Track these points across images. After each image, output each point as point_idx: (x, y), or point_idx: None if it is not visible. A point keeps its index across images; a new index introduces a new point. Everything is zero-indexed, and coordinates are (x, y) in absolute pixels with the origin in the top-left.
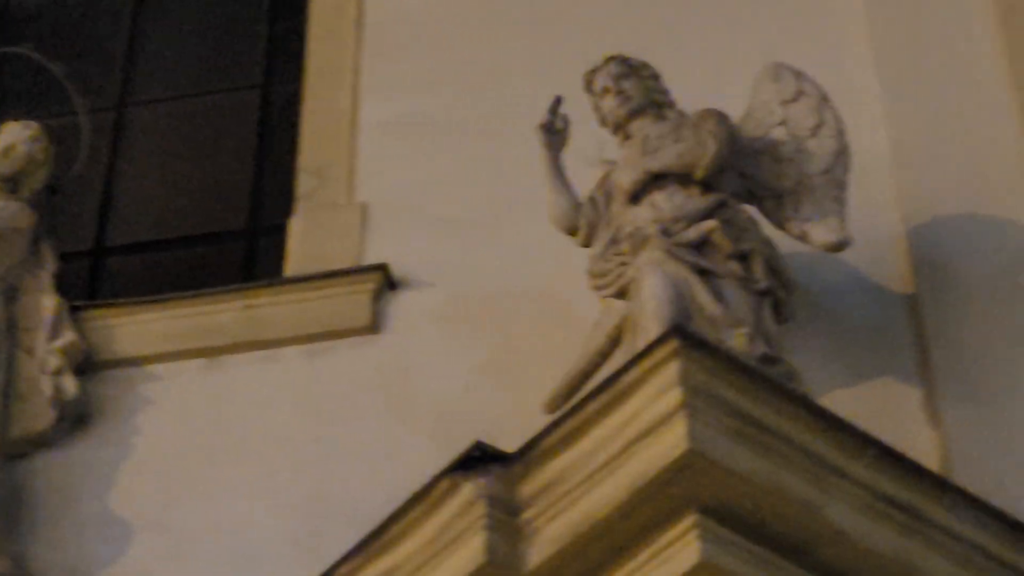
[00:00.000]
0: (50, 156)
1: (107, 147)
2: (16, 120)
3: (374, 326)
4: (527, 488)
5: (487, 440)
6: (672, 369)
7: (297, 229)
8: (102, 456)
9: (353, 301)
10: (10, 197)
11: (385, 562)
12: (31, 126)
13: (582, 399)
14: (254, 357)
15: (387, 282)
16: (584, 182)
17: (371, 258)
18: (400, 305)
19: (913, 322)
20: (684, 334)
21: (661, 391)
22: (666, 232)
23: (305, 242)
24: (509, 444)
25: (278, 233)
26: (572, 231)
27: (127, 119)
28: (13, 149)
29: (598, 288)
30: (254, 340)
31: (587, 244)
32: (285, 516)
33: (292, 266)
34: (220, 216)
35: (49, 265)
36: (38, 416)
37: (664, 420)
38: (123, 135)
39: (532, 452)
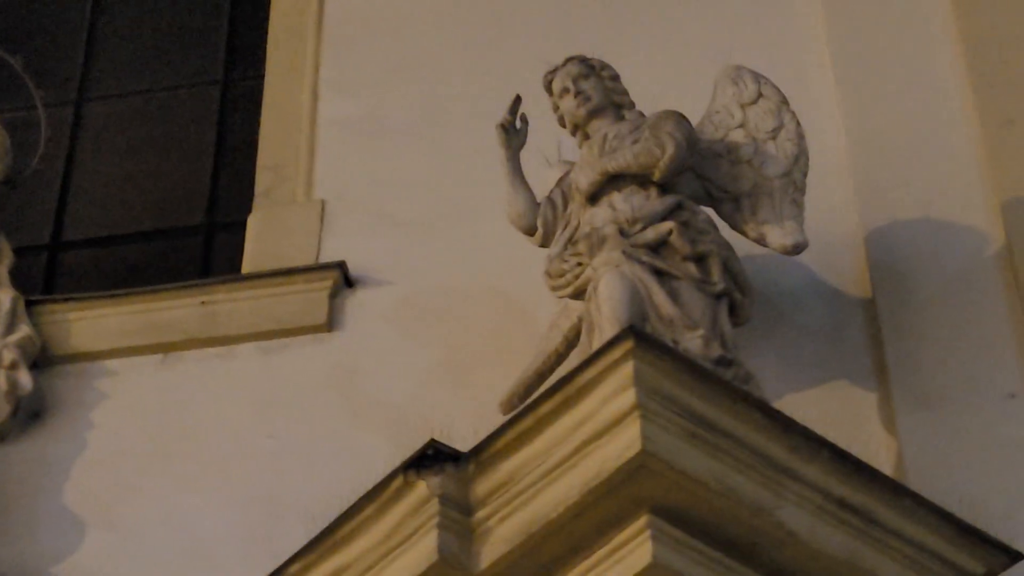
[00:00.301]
0: (7, 149)
1: (65, 141)
2: None
3: (330, 324)
4: (480, 487)
5: (441, 439)
6: (627, 370)
7: (255, 226)
8: (56, 451)
9: (309, 299)
10: None
11: (337, 560)
12: None
13: (536, 399)
14: (210, 353)
15: (344, 280)
16: (542, 182)
17: (328, 256)
18: (356, 303)
19: (869, 326)
20: (639, 335)
21: (615, 392)
22: (623, 233)
23: (263, 239)
24: (463, 444)
25: (236, 230)
26: (530, 231)
27: (86, 113)
28: None
29: (555, 288)
30: (210, 336)
31: (545, 244)
32: (238, 513)
33: (249, 263)
34: (178, 212)
35: (5, 259)
36: None
37: (618, 421)
38: (82, 129)
39: (486, 451)
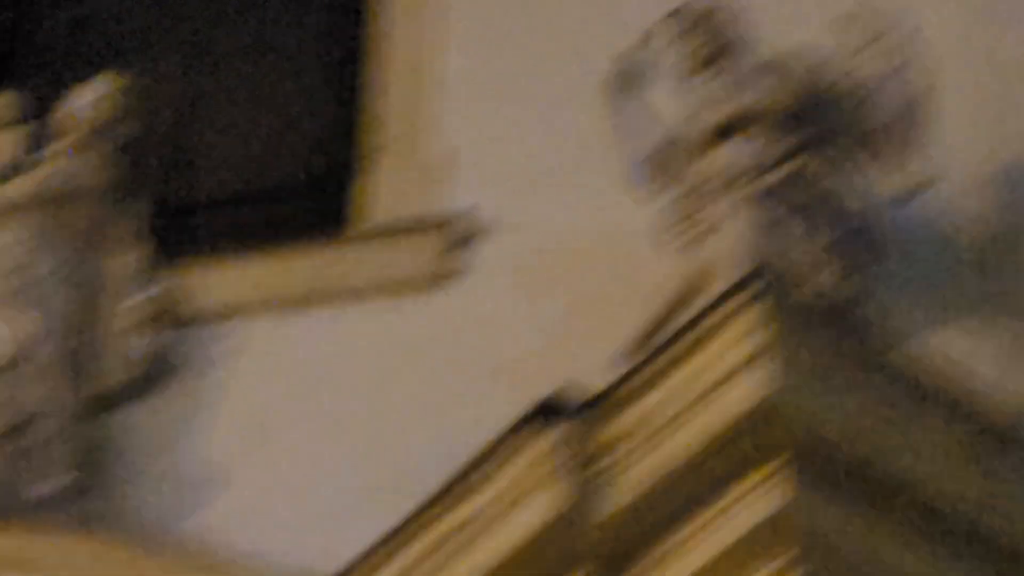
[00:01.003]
0: (136, 109)
1: (191, 101)
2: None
3: (449, 278)
4: (606, 434)
5: (566, 388)
6: (755, 311)
7: (373, 181)
8: (187, 409)
9: (433, 252)
10: (96, 151)
11: (462, 512)
12: (116, 79)
13: (661, 344)
14: (332, 310)
15: (462, 234)
16: (665, 127)
17: (451, 208)
18: (480, 255)
19: (995, 264)
20: (767, 276)
21: (744, 334)
22: (746, 176)
23: (380, 194)
24: (585, 394)
25: (355, 184)
26: (650, 178)
27: (212, 73)
28: (99, 103)
29: (677, 236)
30: (333, 293)
31: (665, 191)
32: (366, 467)
33: (372, 217)
34: (297, 168)
35: (135, 218)
36: (125, 369)
37: (747, 363)
38: (208, 89)
39: (611, 398)
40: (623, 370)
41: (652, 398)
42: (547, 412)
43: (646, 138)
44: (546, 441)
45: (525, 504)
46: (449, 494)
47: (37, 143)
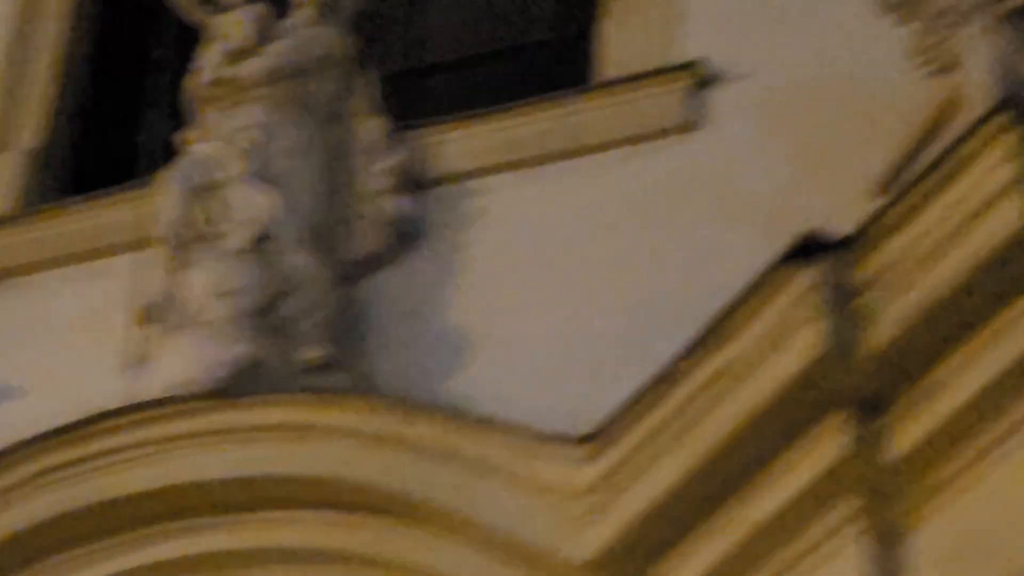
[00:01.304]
0: None
1: None
2: None
3: (690, 124)
4: (862, 272)
5: (817, 228)
6: (1005, 142)
7: (607, 32)
8: (436, 271)
9: (669, 100)
10: (329, 25)
11: (723, 356)
12: None
13: (914, 179)
14: (574, 164)
15: (701, 78)
16: None
17: (682, 56)
18: (716, 100)
19: None
20: (1017, 105)
21: (996, 165)
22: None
23: (616, 44)
24: (836, 231)
25: (589, 37)
26: (891, 8)
27: None
28: None
29: (922, 66)
30: (573, 147)
31: (908, 21)
32: (618, 319)
33: (604, 70)
34: (530, 25)
35: (370, 88)
36: (373, 237)
37: (1001, 194)
38: None
39: (866, 235)
40: (878, 204)
41: (911, 231)
42: (804, 251)
43: None
44: (806, 279)
45: (786, 345)
46: (709, 339)
47: (272, 20)
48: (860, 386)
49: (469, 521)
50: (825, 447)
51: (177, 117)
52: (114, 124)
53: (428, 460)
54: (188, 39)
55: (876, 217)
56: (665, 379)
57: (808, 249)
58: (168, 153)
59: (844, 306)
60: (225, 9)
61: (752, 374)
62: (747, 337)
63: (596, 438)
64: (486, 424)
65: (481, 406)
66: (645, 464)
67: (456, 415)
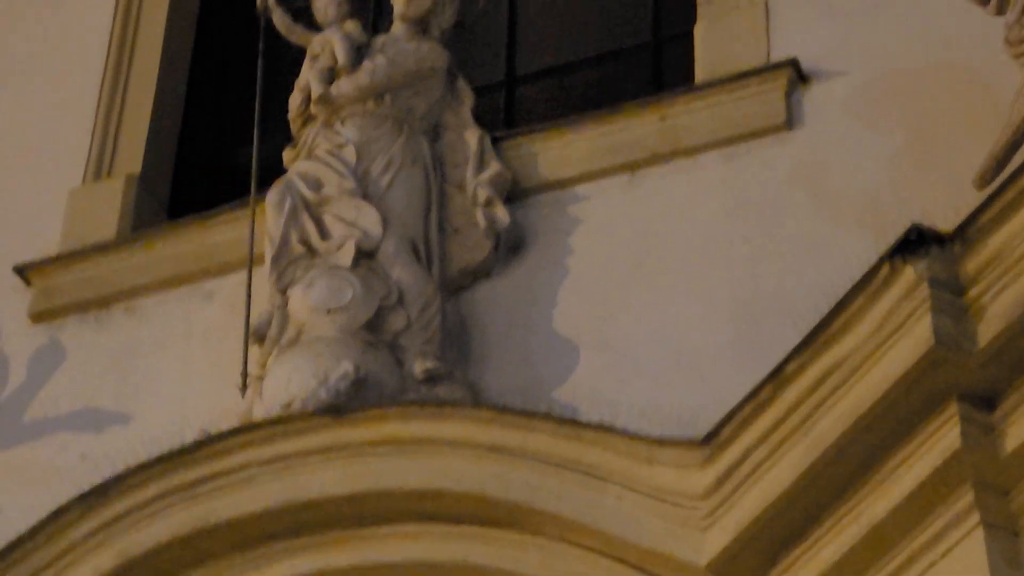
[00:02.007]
0: None
1: None
2: None
3: (789, 122)
4: (969, 265)
5: (919, 222)
6: None
7: (702, 34)
8: (540, 279)
9: (765, 100)
10: (422, 38)
11: (832, 354)
12: None
13: (1016, 170)
14: (674, 166)
15: (797, 76)
16: None
17: (778, 54)
18: (813, 98)
19: None
20: None
21: None
22: None
23: (711, 46)
24: (942, 224)
25: (683, 40)
26: (983, 1)
27: None
28: None
29: (1017, 56)
30: (672, 150)
31: (1001, 11)
32: (722, 319)
33: (701, 72)
34: (624, 31)
35: (466, 100)
36: (475, 248)
37: None
38: None
39: (971, 228)
40: (981, 197)
41: (1016, 223)
42: (911, 245)
43: None
44: (914, 274)
45: (897, 341)
46: (819, 337)
47: (366, 37)
48: (971, 380)
49: (587, 529)
50: (938, 442)
51: (277, 137)
52: (213, 146)
53: (544, 469)
54: (284, 60)
55: (980, 210)
56: (776, 379)
57: (914, 244)
58: (269, 173)
59: (953, 300)
60: (320, 28)
61: (863, 371)
62: (857, 334)
63: (711, 442)
64: (601, 431)
65: (591, 412)
66: (761, 466)
67: (570, 423)
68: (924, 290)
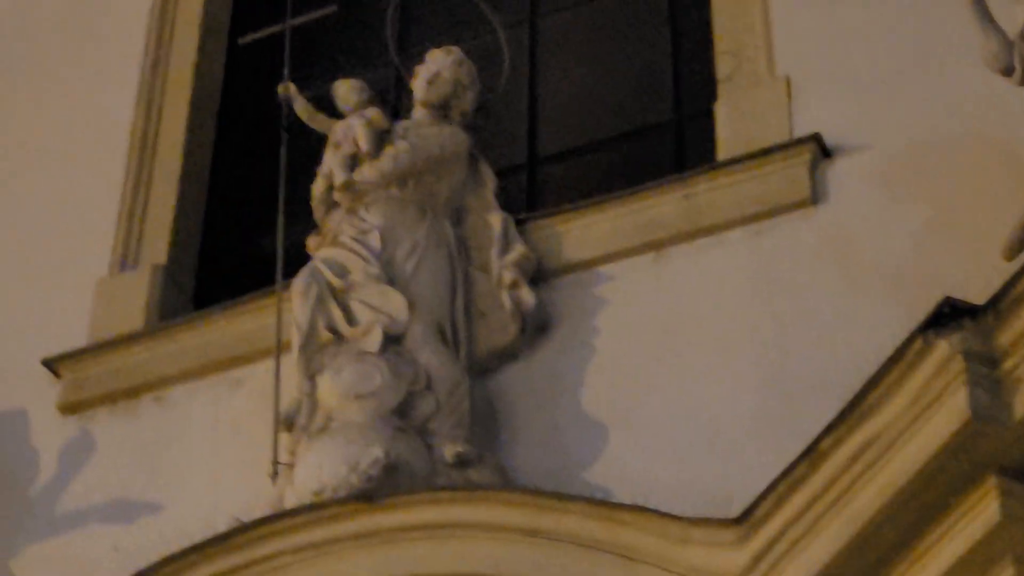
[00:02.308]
0: (474, 79)
1: (526, 60)
2: (436, 48)
3: (814, 197)
4: (1003, 338)
5: (950, 295)
6: None
7: (723, 112)
8: (566, 360)
9: (790, 175)
10: (444, 123)
11: (868, 429)
12: (452, 51)
13: None
14: (699, 244)
15: (821, 151)
16: (1011, 19)
17: (801, 130)
18: (837, 172)
19: None
20: None
21: None
22: None
23: (733, 123)
24: (973, 297)
25: (705, 118)
26: (1007, 71)
27: (541, 29)
28: (439, 76)
29: None
30: (697, 228)
31: (1021, 83)
32: (751, 396)
33: (724, 149)
34: (645, 110)
35: (489, 183)
36: (501, 330)
37: None
38: (539, 46)
39: (1003, 300)
40: (1007, 271)
41: None
42: (942, 319)
43: (997, 31)
44: (948, 348)
45: (933, 414)
46: (852, 413)
47: (387, 122)
48: (1009, 453)
49: None
50: (978, 515)
51: (301, 224)
52: (238, 235)
53: (578, 551)
54: (306, 147)
55: (1013, 282)
56: (811, 455)
57: (947, 317)
58: (294, 260)
59: (988, 373)
60: (341, 115)
61: (900, 445)
62: (892, 408)
63: (746, 520)
64: (634, 511)
65: (623, 492)
66: (798, 543)
67: (603, 503)
68: (959, 363)
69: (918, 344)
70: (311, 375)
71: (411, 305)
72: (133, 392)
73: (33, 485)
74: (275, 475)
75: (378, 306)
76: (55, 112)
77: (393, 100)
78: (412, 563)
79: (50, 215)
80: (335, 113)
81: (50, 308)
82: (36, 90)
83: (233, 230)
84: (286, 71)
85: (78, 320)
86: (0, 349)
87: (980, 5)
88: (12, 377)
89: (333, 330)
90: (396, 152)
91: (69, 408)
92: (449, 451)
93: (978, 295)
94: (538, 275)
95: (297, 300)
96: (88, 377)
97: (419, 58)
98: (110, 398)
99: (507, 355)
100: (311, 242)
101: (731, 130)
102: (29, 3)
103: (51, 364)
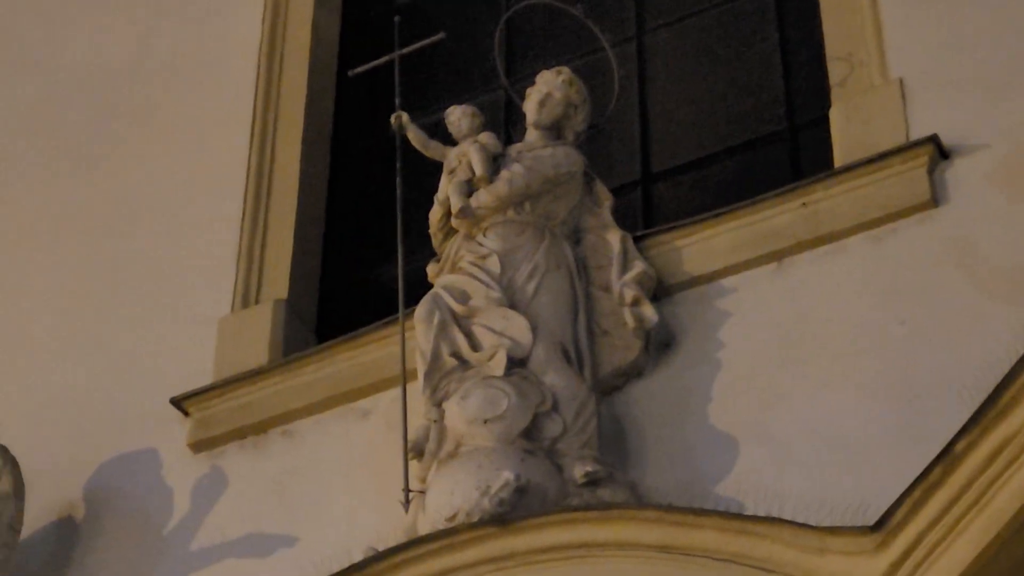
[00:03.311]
0: (585, 97)
1: (635, 76)
2: (545, 69)
3: (935, 199)
4: None
5: None
6: None
7: (838, 118)
8: (692, 375)
9: (908, 178)
10: (557, 144)
11: (1003, 429)
12: (562, 71)
13: None
14: (820, 252)
15: (939, 153)
16: None
17: (918, 132)
18: (956, 173)
19: None
20: None
21: None
22: None
23: (848, 129)
24: None
25: (820, 126)
26: None
27: (648, 45)
28: (550, 97)
29: None
30: (817, 236)
31: None
32: (880, 402)
33: (840, 155)
34: (758, 120)
35: (605, 201)
36: (625, 348)
37: None
38: (648, 61)
39: None
40: None
41: None
42: None
43: None
44: None
45: None
46: (986, 415)
47: (501, 147)
48: None
49: None
50: None
51: (419, 252)
52: (357, 266)
53: (714, 566)
54: (421, 175)
55: None
56: (946, 459)
57: None
58: (414, 288)
59: None
60: (455, 142)
61: None
62: None
63: (882, 527)
64: (769, 523)
65: (756, 505)
66: (936, 547)
67: (737, 517)
68: None
69: None
70: (438, 402)
71: (534, 327)
72: (261, 427)
73: (167, 523)
74: (407, 503)
75: (501, 330)
76: (172, 155)
77: (505, 123)
78: None
79: (171, 256)
80: (448, 140)
81: (175, 348)
82: (152, 134)
83: (352, 262)
84: (397, 101)
85: (203, 358)
86: (129, 390)
87: None
88: (142, 417)
89: (457, 356)
90: (511, 175)
91: (199, 446)
92: (579, 471)
93: None
94: (659, 291)
95: (420, 327)
96: (216, 415)
97: (529, 80)
98: (239, 434)
99: (632, 373)
100: (431, 269)
101: (847, 136)
102: (142, 51)
103: (179, 403)
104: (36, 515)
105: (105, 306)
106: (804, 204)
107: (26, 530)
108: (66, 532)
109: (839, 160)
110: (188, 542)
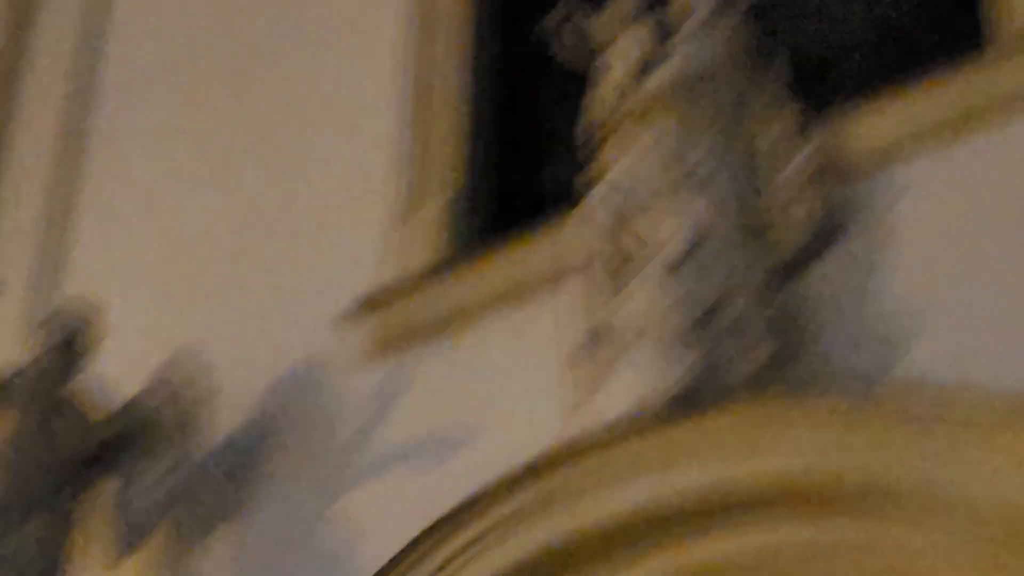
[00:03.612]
0: None
1: None
2: None
3: None
4: None
5: None
6: None
7: None
8: (869, 256)
9: None
10: (724, 22)
11: None
12: None
13: None
14: (992, 128)
15: None
16: None
17: None
18: None
19: None
20: None
21: None
22: None
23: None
24: None
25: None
26: None
27: None
28: None
29: None
30: (988, 111)
31: None
32: None
33: (1008, 26)
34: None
35: (772, 85)
36: (801, 231)
37: None
38: None
39: None
40: None
41: None
42: None
43: None
44: None
45: None
46: None
47: (664, 32)
48: None
49: (947, 499)
50: None
51: (587, 147)
52: (523, 162)
53: (898, 443)
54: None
55: None
56: None
57: None
58: (579, 184)
59: None
60: (612, 40)
61: None
62: None
63: None
64: (954, 396)
65: (938, 382)
66: None
67: (920, 392)
68: None
69: None
70: (615, 291)
71: (708, 212)
72: (438, 326)
73: (349, 428)
74: (589, 393)
75: (676, 217)
76: (337, 58)
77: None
78: (730, 469)
79: (338, 165)
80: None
81: (349, 253)
82: (315, 40)
83: (520, 158)
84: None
85: (378, 260)
86: (301, 299)
87: None
88: (317, 326)
89: (632, 245)
90: (678, 58)
91: (378, 348)
92: (757, 355)
93: None
94: (833, 171)
95: (594, 220)
96: (392, 316)
97: None
98: (417, 333)
99: (809, 255)
100: (599, 162)
101: (1009, 11)
102: None
103: (356, 307)
104: (225, 420)
105: (279, 214)
106: (971, 81)
107: (212, 437)
108: (254, 435)
109: (1007, 30)
110: (372, 446)
